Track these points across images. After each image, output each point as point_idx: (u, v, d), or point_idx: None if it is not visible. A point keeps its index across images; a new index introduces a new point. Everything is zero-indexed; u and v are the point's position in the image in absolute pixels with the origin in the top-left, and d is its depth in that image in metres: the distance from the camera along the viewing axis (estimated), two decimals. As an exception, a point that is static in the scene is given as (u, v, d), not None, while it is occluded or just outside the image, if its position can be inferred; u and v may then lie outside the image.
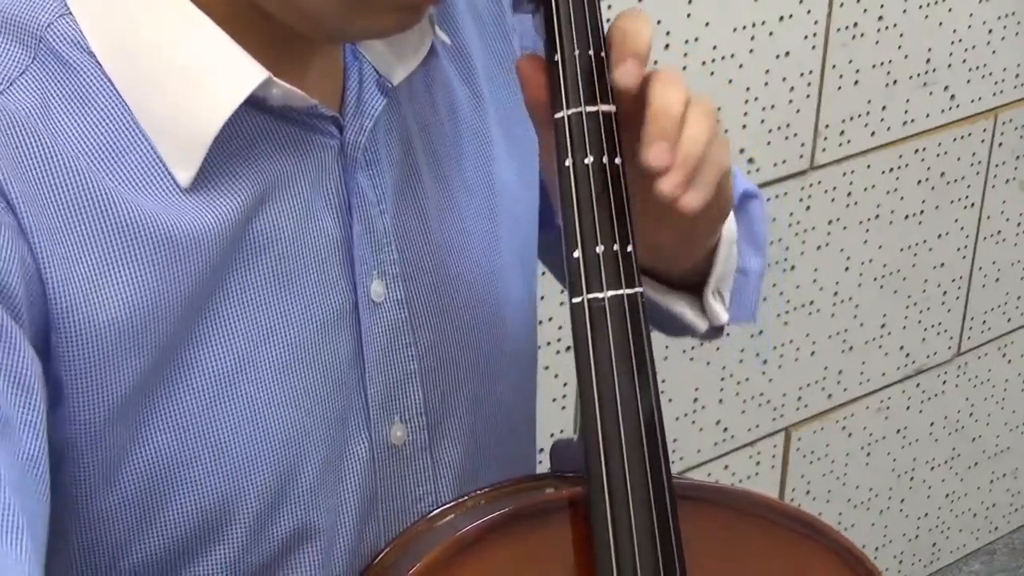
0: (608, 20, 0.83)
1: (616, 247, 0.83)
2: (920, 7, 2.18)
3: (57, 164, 0.79)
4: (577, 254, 0.83)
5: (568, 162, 0.83)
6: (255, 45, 0.83)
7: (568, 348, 1.91)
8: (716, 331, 1.03)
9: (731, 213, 1.01)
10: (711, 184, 0.84)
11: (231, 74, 0.82)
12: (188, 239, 0.82)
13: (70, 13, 0.81)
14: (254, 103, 0.83)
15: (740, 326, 1.06)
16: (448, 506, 0.89)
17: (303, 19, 0.82)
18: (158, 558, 0.86)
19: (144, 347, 0.81)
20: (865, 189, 2.24)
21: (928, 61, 2.23)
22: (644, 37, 0.83)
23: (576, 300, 0.83)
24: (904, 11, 2.16)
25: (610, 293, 0.83)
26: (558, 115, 0.84)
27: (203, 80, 0.81)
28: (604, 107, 0.84)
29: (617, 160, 0.84)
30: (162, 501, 0.84)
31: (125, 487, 0.83)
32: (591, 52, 0.84)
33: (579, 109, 0.83)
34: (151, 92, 0.81)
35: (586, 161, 0.83)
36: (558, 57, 0.84)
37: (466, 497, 0.89)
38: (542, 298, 1.85)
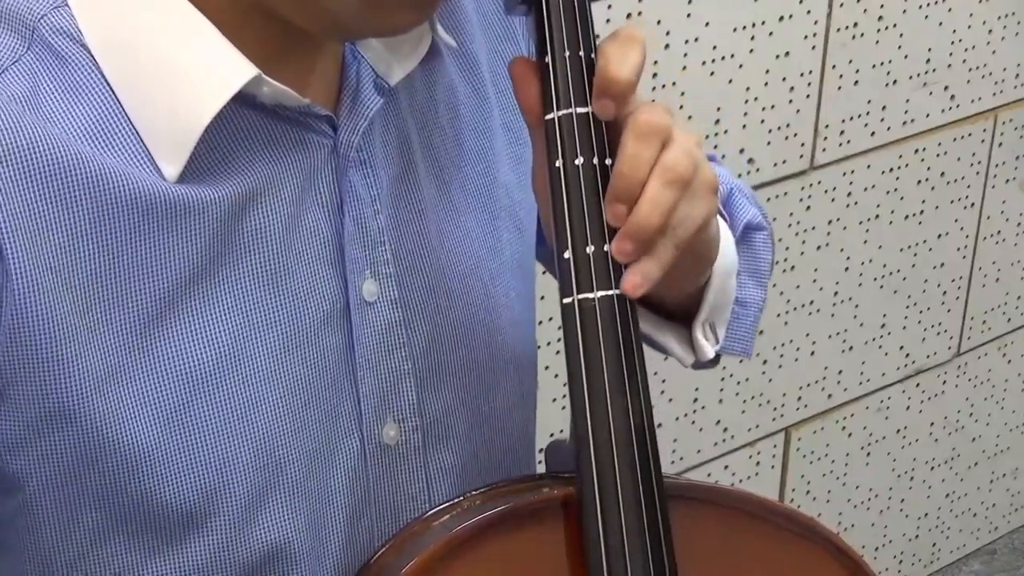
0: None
1: (606, 248, 0.83)
2: (920, 7, 2.18)
3: (43, 146, 0.79)
4: (567, 255, 0.83)
5: (559, 163, 0.84)
6: (252, 43, 0.83)
7: (567, 348, 1.91)
8: (705, 363, 1.03)
9: (731, 244, 1.00)
10: (663, 262, 0.84)
11: (220, 71, 0.82)
12: (173, 215, 0.82)
13: (66, 5, 0.82)
14: (246, 101, 0.84)
15: (734, 357, 1.05)
16: (444, 506, 0.90)
17: (319, 19, 0.82)
18: (137, 548, 0.86)
19: (118, 323, 0.81)
20: (865, 189, 2.24)
21: (928, 61, 2.23)
22: (625, 70, 0.82)
23: (567, 301, 0.84)
24: (904, 11, 2.16)
25: (600, 293, 0.83)
26: (549, 116, 0.84)
27: (192, 76, 0.82)
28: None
29: (607, 161, 0.84)
30: (143, 489, 0.84)
31: (104, 472, 0.83)
32: (582, 54, 0.84)
33: (570, 110, 0.84)
34: (141, 86, 0.82)
35: (576, 162, 0.83)
36: (549, 59, 0.84)
37: (461, 497, 0.89)
38: (542, 298, 1.85)
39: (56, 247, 0.79)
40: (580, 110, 0.84)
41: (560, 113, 0.84)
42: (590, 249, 0.83)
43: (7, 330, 0.79)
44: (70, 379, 0.81)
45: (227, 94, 0.82)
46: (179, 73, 0.82)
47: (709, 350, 1.00)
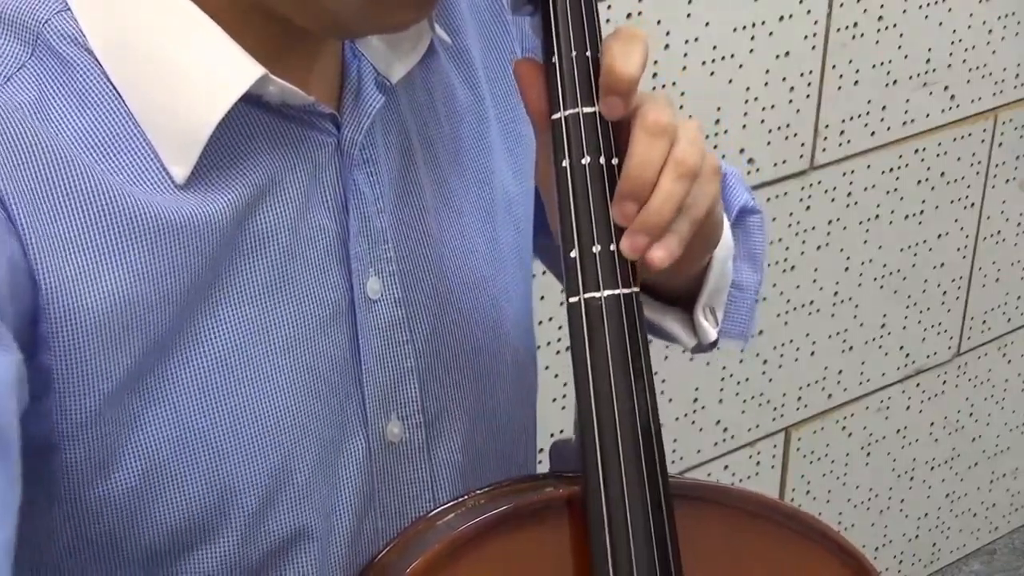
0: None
1: (613, 247, 0.83)
2: (920, 7, 2.18)
3: (52, 157, 0.79)
4: (574, 254, 0.83)
5: (565, 163, 0.84)
6: (254, 43, 0.83)
7: (568, 348, 1.91)
8: (707, 346, 1.03)
9: (727, 229, 1.01)
10: (682, 237, 0.84)
11: (227, 72, 0.82)
12: (183, 232, 0.82)
13: (68, 9, 0.82)
14: (251, 100, 0.84)
15: (732, 341, 1.06)
16: (448, 505, 0.90)
17: (319, 18, 0.82)
18: (151, 553, 0.86)
19: (136, 338, 0.81)
20: (865, 189, 2.24)
21: (928, 61, 2.23)
22: (631, 67, 0.82)
23: (573, 300, 0.84)
24: (904, 11, 2.16)
25: (607, 293, 0.83)
26: (555, 116, 0.84)
27: (199, 78, 0.82)
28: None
29: (614, 160, 0.84)
30: (155, 494, 0.84)
31: (118, 479, 0.83)
32: (588, 53, 0.84)
33: (576, 110, 0.84)
34: (148, 89, 0.82)
35: (583, 161, 0.83)
36: (555, 59, 0.84)
37: (466, 496, 0.90)
38: (542, 298, 1.86)
39: (76, 262, 0.79)
40: (587, 110, 0.84)
41: (567, 113, 0.84)
42: (596, 248, 0.83)
43: (42, 339, 0.79)
44: (91, 391, 0.81)
45: (235, 94, 0.82)
46: (185, 75, 0.82)
47: (711, 332, 1.01)
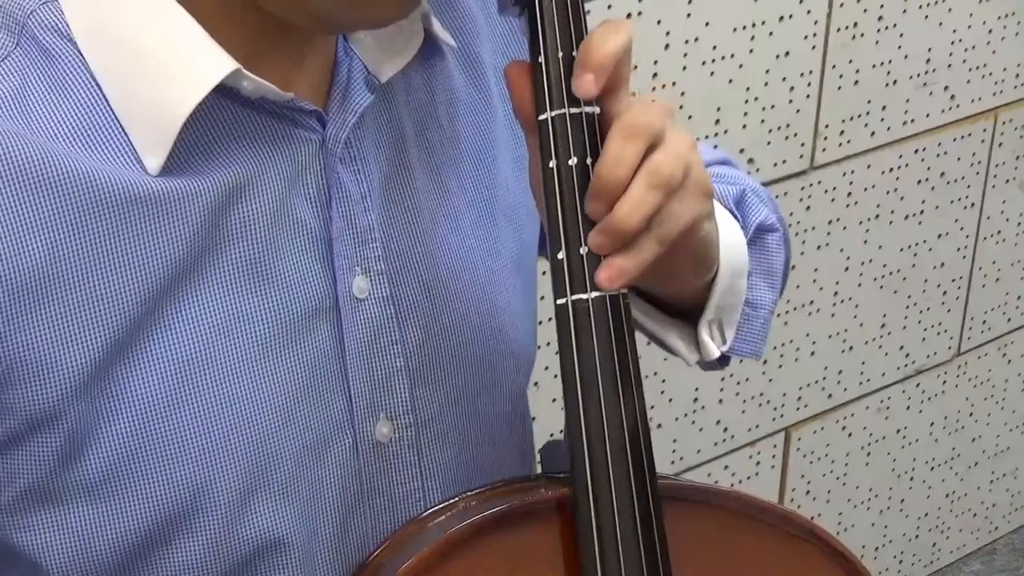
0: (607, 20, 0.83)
1: None
2: (920, 7, 2.18)
3: (28, 147, 0.79)
4: (561, 255, 0.83)
5: (552, 163, 0.83)
6: (238, 37, 0.84)
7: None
8: (714, 364, 1.02)
9: (743, 246, 1.00)
10: (642, 258, 0.83)
11: (200, 64, 0.82)
12: (153, 208, 0.82)
13: (55, 0, 0.83)
14: (229, 95, 0.84)
15: (744, 358, 1.05)
16: (439, 507, 0.90)
17: (299, 12, 0.83)
18: (125, 548, 0.86)
19: (103, 323, 0.81)
20: (865, 189, 2.24)
21: (928, 61, 2.23)
22: (607, 46, 0.81)
23: (560, 301, 0.84)
24: (904, 11, 2.16)
25: (594, 294, 0.83)
26: (542, 117, 0.84)
27: (174, 69, 0.82)
28: (587, 108, 0.83)
29: None
30: (128, 487, 0.84)
31: (89, 470, 0.83)
32: (575, 54, 0.84)
33: (563, 111, 0.83)
34: (125, 80, 0.82)
35: (570, 162, 0.83)
36: (542, 59, 0.84)
37: (457, 498, 0.90)
38: (542, 298, 1.85)
39: (39, 250, 0.79)
40: (573, 110, 0.83)
41: (553, 114, 0.83)
42: (583, 250, 0.83)
43: (14, 321, 0.79)
44: (55, 381, 0.81)
45: (206, 88, 0.82)
46: (160, 66, 0.82)
47: (714, 350, 1.00)
